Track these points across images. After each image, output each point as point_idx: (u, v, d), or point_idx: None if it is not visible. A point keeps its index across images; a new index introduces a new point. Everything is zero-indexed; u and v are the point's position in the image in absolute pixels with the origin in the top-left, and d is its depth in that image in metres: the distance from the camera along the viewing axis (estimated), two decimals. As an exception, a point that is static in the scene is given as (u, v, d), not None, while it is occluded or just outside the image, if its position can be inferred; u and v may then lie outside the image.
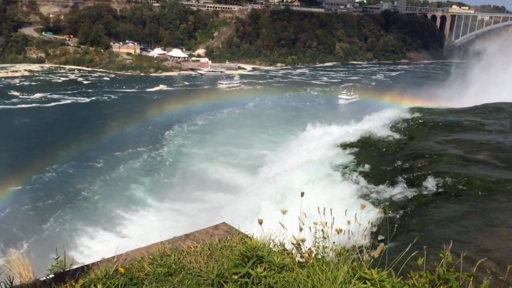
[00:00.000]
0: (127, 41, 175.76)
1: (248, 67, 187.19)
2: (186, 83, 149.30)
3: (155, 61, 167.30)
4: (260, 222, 4.66)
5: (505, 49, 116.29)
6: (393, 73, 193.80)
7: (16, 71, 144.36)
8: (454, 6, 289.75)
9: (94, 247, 43.37)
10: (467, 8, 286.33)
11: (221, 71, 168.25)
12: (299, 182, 16.42)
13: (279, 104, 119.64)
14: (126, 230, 47.81)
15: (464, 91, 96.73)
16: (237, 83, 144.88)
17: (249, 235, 5.22)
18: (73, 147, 71.25)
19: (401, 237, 12.56)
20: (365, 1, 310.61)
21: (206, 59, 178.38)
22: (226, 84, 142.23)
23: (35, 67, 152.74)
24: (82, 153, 69.44)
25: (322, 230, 4.55)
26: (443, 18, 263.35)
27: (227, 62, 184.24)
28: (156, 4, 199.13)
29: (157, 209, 52.51)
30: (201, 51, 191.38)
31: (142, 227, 48.18)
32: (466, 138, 16.47)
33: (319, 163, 18.38)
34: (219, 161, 69.02)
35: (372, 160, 17.03)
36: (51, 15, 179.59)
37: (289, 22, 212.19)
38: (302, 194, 4.72)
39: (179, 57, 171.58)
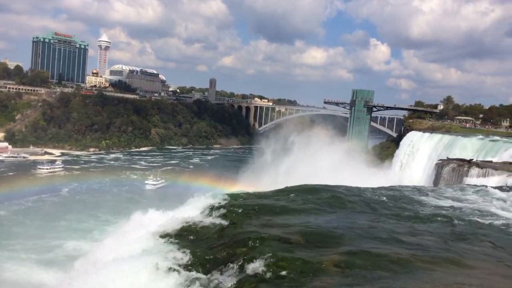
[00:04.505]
0: None
1: (57, 152, 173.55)
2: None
3: None
4: None
5: (301, 137, 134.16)
6: (209, 157, 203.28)
7: None
8: (256, 99, 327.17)
9: None
10: (266, 100, 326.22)
11: (24, 157, 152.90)
12: (116, 282, 14.75)
13: (95, 190, 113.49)
14: None
15: (272, 174, 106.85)
16: (59, 167, 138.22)
17: None
18: None
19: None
20: (178, 90, 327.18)
21: (5, 144, 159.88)
22: (47, 169, 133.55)
23: None
24: None
25: None
26: (248, 109, 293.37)
27: (31, 147, 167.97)
28: None
29: None
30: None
31: None
32: (282, 220, 17.38)
33: (137, 256, 16.97)
34: (14, 258, 60.01)
35: (195, 248, 16.49)
36: None
37: (102, 106, 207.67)
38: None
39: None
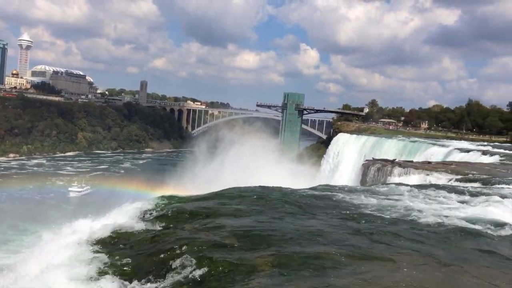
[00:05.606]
0: None
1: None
2: None
3: None
4: None
5: (233, 140, 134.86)
6: (140, 161, 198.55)
7: None
8: (189, 101, 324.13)
9: None
10: (200, 103, 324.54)
11: None
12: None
13: (15, 198, 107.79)
14: None
15: (203, 176, 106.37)
16: None
17: None
18: None
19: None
20: (107, 93, 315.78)
21: None
22: None
23: None
24: None
25: None
26: (181, 112, 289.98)
27: None
28: None
29: None
30: None
31: None
32: (215, 223, 17.46)
33: (64, 266, 16.25)
34: None
35: (126, 255, 16.09)
36: None
37: (24, 109, 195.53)
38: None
39: None
